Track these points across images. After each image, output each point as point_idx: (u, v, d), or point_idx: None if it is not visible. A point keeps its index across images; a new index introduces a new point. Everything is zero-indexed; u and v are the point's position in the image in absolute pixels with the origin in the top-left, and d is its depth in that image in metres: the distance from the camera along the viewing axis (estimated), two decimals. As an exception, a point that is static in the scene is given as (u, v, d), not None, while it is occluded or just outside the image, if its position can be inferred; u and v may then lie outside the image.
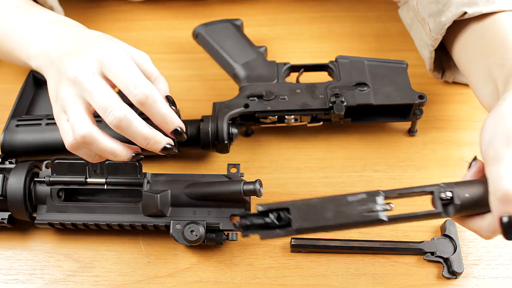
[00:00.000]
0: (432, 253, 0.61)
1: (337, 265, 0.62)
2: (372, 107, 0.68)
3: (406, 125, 0.72)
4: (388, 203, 0.48)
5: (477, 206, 0.49)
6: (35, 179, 0.61)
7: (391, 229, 0.64)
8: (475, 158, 0.52)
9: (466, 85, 0.75)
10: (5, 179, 0.61)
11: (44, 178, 0.61)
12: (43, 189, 0.61)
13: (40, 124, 0.67)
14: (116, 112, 0.52)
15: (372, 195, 0.48)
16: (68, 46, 0.58)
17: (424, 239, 0.63)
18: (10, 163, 0.63)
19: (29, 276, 0.62)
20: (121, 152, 0.55)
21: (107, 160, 0.60)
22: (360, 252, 0.62)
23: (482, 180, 0.50)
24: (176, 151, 0.57)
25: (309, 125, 0.70)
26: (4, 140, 0.66)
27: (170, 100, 0.57)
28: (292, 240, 0.62)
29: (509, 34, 0.59)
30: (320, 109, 0.67)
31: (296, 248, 0.62)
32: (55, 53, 0.58)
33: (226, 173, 0.62)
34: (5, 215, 0.62)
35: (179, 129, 0.56)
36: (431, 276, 0.61)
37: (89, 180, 0.61)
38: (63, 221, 0.61)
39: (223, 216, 0.60)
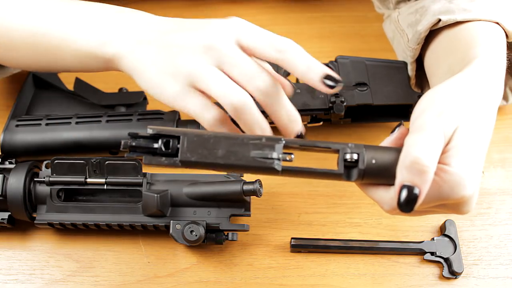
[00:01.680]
0: (432, 253, 0.61)
1: (337, 265, 0.62)
2: (372, 107, 0.68)
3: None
4: (289, 153, 0.44)
5: (383, 175, 0.45)
6: (35, 179, 0.61)
7: (391, 229, 0.64)
8: (400, 124, 0.48)
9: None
10: (5, 179, 0.61)
11: (44, 178, 0.61)
12: (43, 189, 0.61)
13: (40, 124, 0.67)
14: (265, 77, 0.48)
15: (272, 141, 0.44)
16: (168, 26, 0.52)
17: (424, 239, 0.63)
18: (10, 163, 0.63)
19: (29, 276, 0.62)
20: (268, 128, 0.50)
21: (107, 160, 0.60)
22: (360, 252, 0.62)
23: (396, 148, 0.46)
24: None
25: (309, 125, 0.70)
26: (4, 140, 0.66)
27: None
28: (292, 240, 0.62)
29: (476, 38, 0.57)
30: (320, 109, 0.67)
31: (296, 248, 0.62)
32: (148, 34, 0.51)
33: (226, 173, 0.62)
34: (5, 215, 0.62)
35: (301, 134, 0.52)
36: (431, 276, 0.61)
37: (89, 180, 0.60)
38: (63, 221, 0.61)
39: (223, 216, 0.60)
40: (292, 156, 0.44)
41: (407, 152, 0.43)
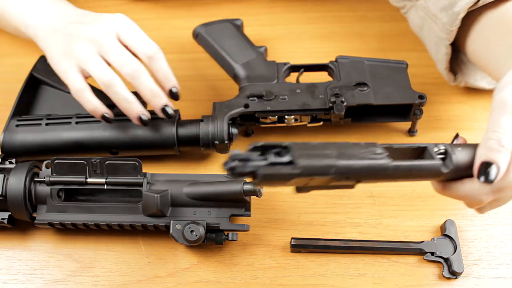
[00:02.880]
0: (432, 253, 0.61)
1: (337, 265, 0.62)
2: (372, 107, 0.68)
3: (406, 125, 0.72)
4: (387, 154, 0.46)
5: (467, 166, 0.49)
6: (35, 179, 0.61)
7: (391, 229, 0.64)
8: (457, 135, 0.52)
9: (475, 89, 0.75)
10: (5, 179, 0.61)
11: (44, 178, 0.61)
12: (43, 189, 0.61)
13: (40, 124, 0.67)
14: (134, 64, 0.62)
15: (369, 145, 0.46)
16: (73, 18, 0.66)
17: (424, 239, 0.63)
18: (10, 163, 0.63)
19: (29, 276, 0.62)
20: (134, 103, 0.63)
21: (107, 160, 0.60)
22: (360, 253, 0.62)
23: (473, 144, 0.50)
24: (173, 112, 0.64)
25: (309, 125, 0.70)
26: (4, 140, 0.66)
27: None
28: (292, 240, 0.62)
29: None
30: (320, 109, 0.67)
31: (296, 248, 0.62)
32: (59, 24, 0.66)
33: (226, 173, 0.62)
34: (5, 215, 0.62)
35: (175, 89, 0.65)
36: (431, 276, 0.61)
37: (89, 180, 0.60)
38: (63, 221, 0.61)
39: (223, 216, 0.60)
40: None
41: (491, 131, 0.48)
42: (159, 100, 0.63)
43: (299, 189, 0.45)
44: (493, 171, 0.47)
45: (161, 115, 0.64)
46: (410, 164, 0.47)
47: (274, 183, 0.42)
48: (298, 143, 0.43)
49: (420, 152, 0.50)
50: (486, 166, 0.47)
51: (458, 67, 0.72)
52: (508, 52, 0.59)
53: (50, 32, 0.66)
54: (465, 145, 0.51)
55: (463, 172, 0.49)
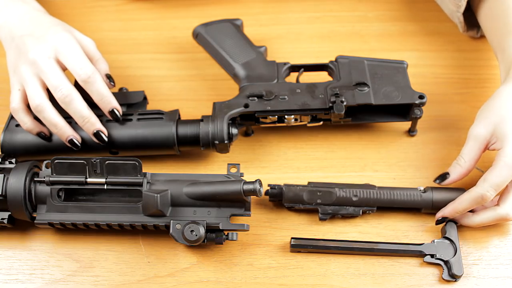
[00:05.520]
0: (432, 256, 0.61)
1: (337, 265, 0.62)
2: (372, 107, 0.68)
3: (406, 125, 0.72)
4: None
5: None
6: (35, 179, 0.61)
7: (391, 229, 0.64)
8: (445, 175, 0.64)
9: (468, 82, 0.75)
10: (5, 179, 0.61)
11: (44, 178, 0.61)
12: (43, 189, 0.61)
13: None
14: (64, 90, 0.64)
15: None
16: (28, 27, 0.68)
17: (424, 240, 0.63)
18: (10, 163, 0.63)
19: (29, 276, 0.62)
20: (62, 128, 0.65)
21: (107, 160, 0.60)
22: (359, 254, 0.62)
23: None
24: (105, 138, 0.65)
25: (309, 125, 0.70)
26: (4, 140, 0.67)
27: (108, 77, 0.69)
28: (292, 240, 0.62)
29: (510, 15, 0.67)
30: (320, 109, 0.67)
31: (296, 248, 0.62)
32: (16, 31, 0.68)
33: (226, 173, 0.62)
34: (5, 215, 0.62)
35: (115, 111, 0.66)
36: (431, 276, 0.61)
37: (89, 180, 0.60)
38: (63, 221, 0.61)
39: (223, 216, 0.60)
40: None
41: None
42: (89, 126, 0.64)
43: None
44: (446, 176, 0.64)
45: (94, 139, 0.65)
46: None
47: None
48: None
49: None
50: (444, 174, 0.64)
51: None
52: (496, 52, 0.67)
53: (9, 38, 0.68)
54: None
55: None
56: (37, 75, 0.65)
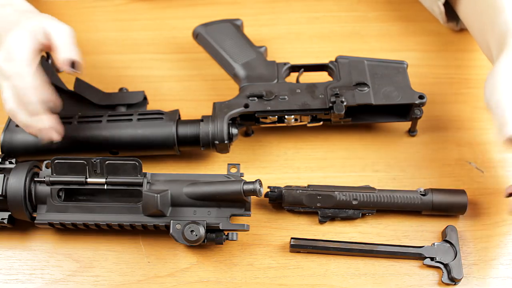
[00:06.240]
0: (432, 259, 0.61)
1: (337, 265, 0.62)
2: (372, 107, 0.68)
3: (406, 125, 0.72)
4: None
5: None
6: (35, 179, 0.61)
7: (391, 229, 0.64)
8: None
9: (468, 82, 0.75)
10: (5, 179, 0.61)
11: (44, 178, 0.61)
12: (43, 189, 0.61)
13: (40, 124, 0.67)
14: (7, 106, 0.61)
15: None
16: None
17: (424, 241, 0.63)
18: (10, 163, 0.63)
19: (29, 276, 0.62)
20: (30, 128, 0.62)
21: (107, 160, 0.60)
22: (359, 255, 0.62)
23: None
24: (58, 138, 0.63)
25: (309, 125, 0.70)
26: (4, 140, 0.66)
27: (72, 65, 0.62)
28: (292, 240, 0.62)
29: None
30: (320, 109, 0.67)
31: (296, 248, 0.62)
32: None
33: (226, 173, 0.62)
34: (5, 215, 0.62)
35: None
36: (431, 277, 0.61)
37: (89, 180, 0.60)
38: (63, 221, 0.61)
39: (223, 216, 0.60)
40: None
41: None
42: (31, 131, 0.62)
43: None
44: None
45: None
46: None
47: None
48: None
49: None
50: None
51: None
52: (480, 36, 0.66)
53: None
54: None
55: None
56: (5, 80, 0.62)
